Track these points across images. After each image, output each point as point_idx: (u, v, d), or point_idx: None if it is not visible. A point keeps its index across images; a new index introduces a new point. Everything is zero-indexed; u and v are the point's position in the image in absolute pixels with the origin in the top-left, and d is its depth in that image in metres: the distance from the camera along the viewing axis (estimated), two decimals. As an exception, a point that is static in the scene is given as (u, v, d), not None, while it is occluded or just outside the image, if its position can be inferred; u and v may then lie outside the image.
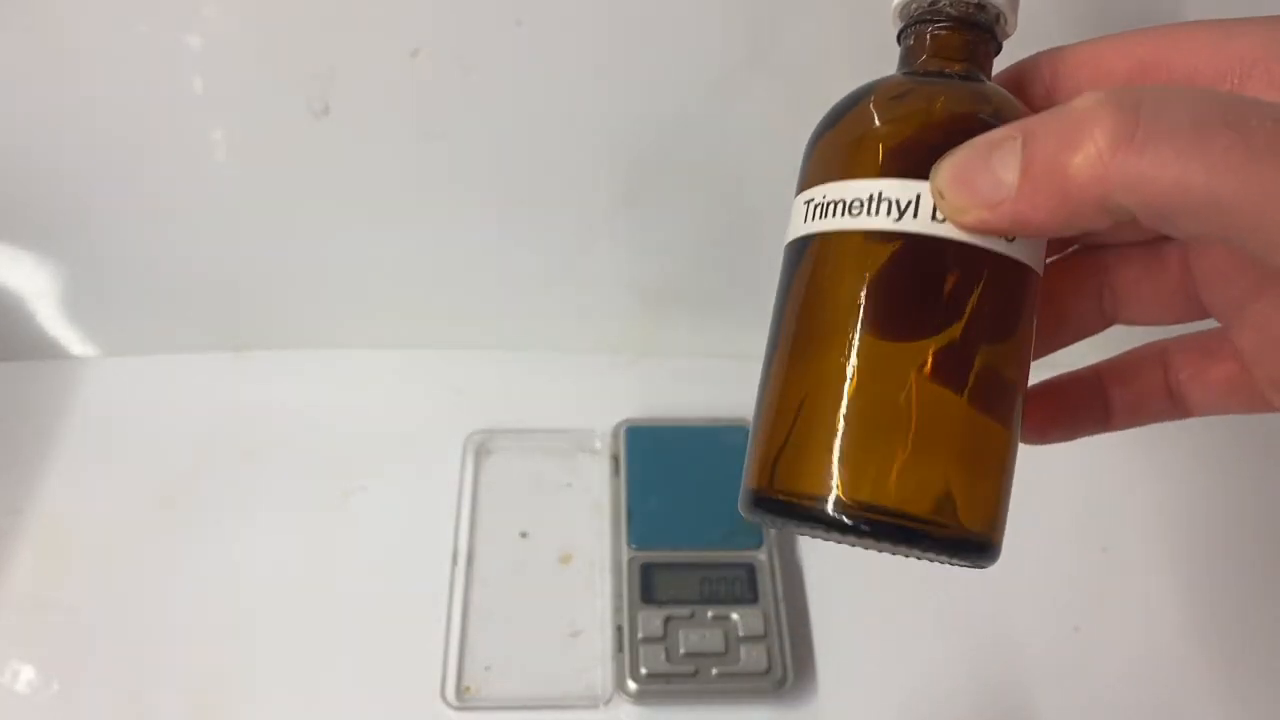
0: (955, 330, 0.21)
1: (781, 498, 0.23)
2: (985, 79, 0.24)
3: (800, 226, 0.23)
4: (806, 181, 0.24)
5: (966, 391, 0.21)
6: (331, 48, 0.42)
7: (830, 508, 0.21)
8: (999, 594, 0.47)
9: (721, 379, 0.55)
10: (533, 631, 0.45)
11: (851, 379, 0.21)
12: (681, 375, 0.55)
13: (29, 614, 0.46)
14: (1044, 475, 0.52)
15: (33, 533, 0.48)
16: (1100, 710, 0.44)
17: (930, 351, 0.21)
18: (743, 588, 0.45)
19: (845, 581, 0.47)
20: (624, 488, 0.49)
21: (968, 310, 0.21)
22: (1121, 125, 0.17)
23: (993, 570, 0.49)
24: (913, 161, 0.21)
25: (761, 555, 0.46)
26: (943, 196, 0.20)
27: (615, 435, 0.51)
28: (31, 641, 0.45)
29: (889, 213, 0.21)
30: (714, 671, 0.43)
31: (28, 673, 0.44)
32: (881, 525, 0.21)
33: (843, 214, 0.22)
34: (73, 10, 0.40)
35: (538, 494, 0.50)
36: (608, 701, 0.43)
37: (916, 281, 0.21)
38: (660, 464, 0.50)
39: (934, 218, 0.21)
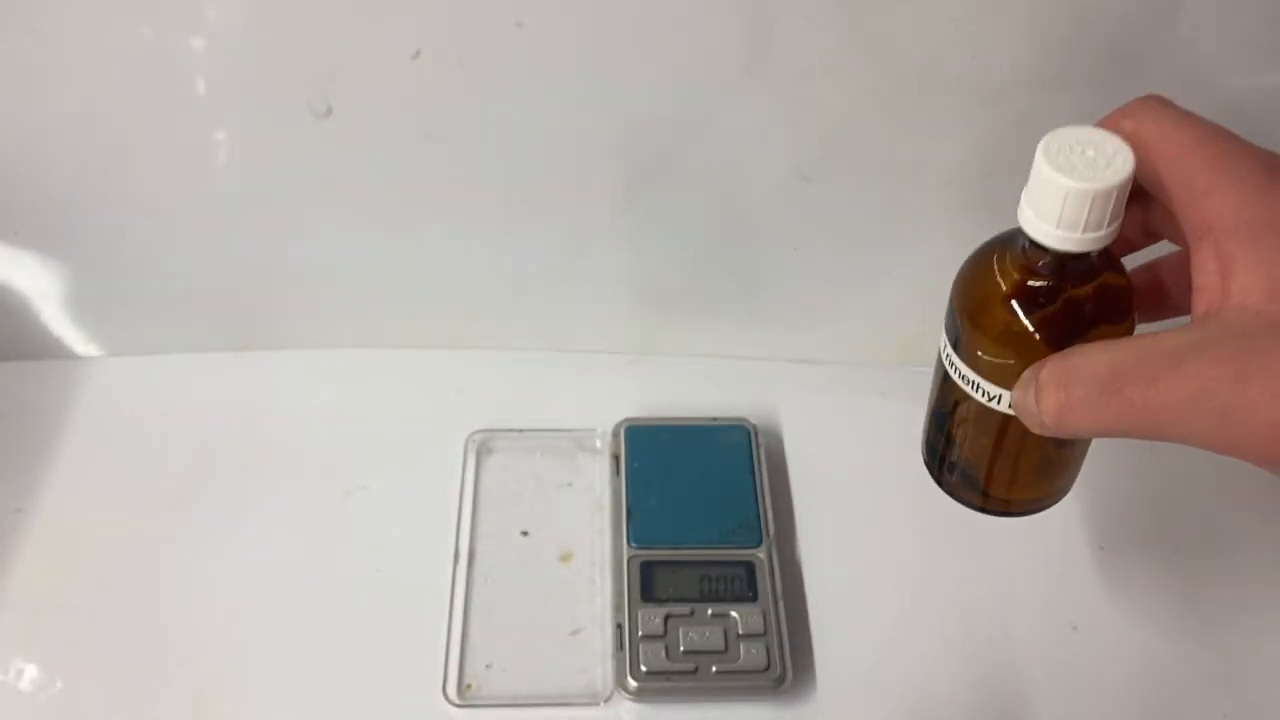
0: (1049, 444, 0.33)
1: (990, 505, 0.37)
2: (1097, 265, 0.30)
3: (943, 355, 0.34)
4: (948, 319, 0.33)
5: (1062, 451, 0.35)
6: (333, 49, 0.42)
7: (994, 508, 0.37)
8: (997, 592, 0.47)
9: (721, 379, 0.55)
10: (533, 629, 0.45)
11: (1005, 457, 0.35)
12: (681, 375, 0.55)
13: (32, 613, 0.46)
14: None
15: (35, 532, 0.48)
16: (1098, 709, 0.44)
17: (1028, 451, 0.34)
18: (742, 586, 0.45)
19: (844, 580, 0.47)
20: (624, 487, 0.49)
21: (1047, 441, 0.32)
22: (1055, 405, 0.28)
23: (991, 569, 0.50)
24: (1002, 377, 0.31)
25: (761, 554, 0.47)
26: (1011, 408, 0.31)
27: (615, 434, 0.51)
28: (34, 640, 0.45)
29: (986, 398, 0.32)
30: (713, 669, 0.43)
31: (30, 671, 0.44)
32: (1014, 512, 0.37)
33: (962, 381, 0.33)
34: (75, 12, 0.40)
35: (538, 493, 0.50)
36: (608, 699, 0.43)
37: (1014, 427, 0.32)
38: (660, 463, 0.50)
39: (989, 399, 0.32)
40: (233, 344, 0.56)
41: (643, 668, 0.43)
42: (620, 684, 0.43)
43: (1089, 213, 0.27)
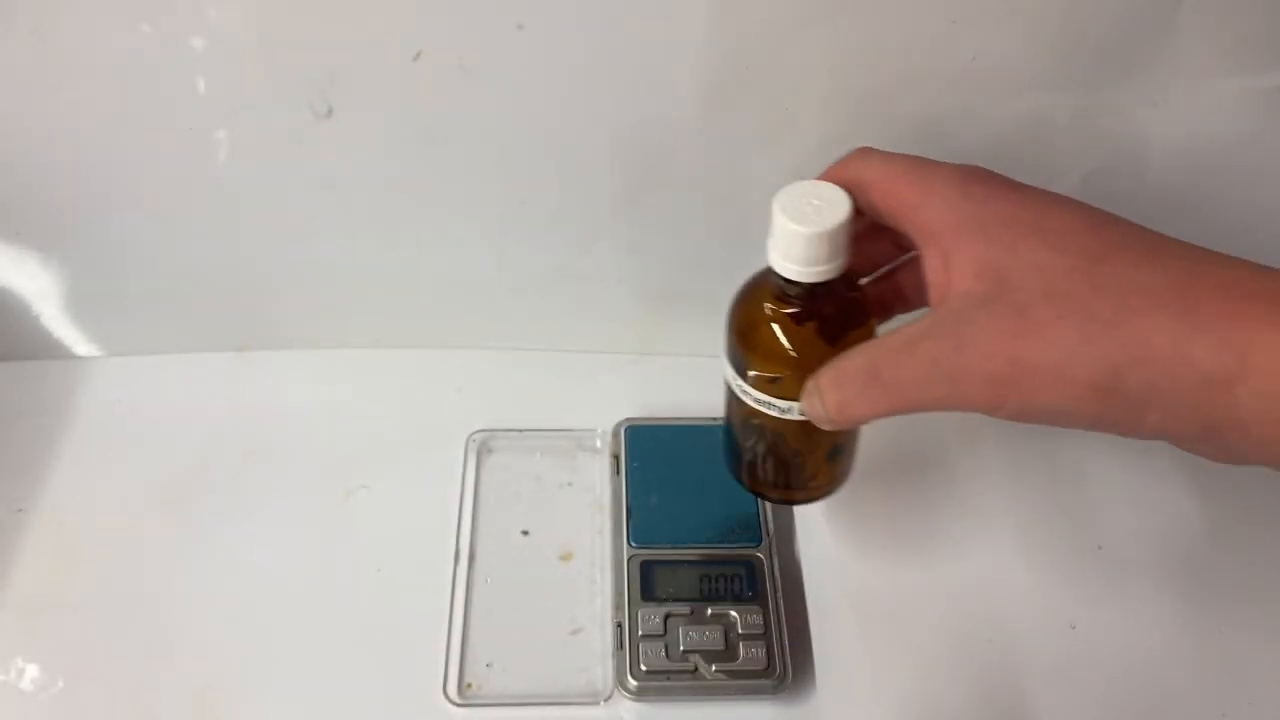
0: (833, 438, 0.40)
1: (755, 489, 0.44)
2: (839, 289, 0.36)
3: (728, 378, 0.39)
4: (727, 349, 0.39)
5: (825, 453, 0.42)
6: (334, 51, 0.42)
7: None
8: (995, 592, 0.47)
9: (721, 379, 0.55)
10: (534, 629, 0.45)
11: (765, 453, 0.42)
12: (681, 375, 0.55)
13: (33, 612, 0.46)
14: (1039, 474, 0.52)
15: (36, 531, 0.48)
16: (1096, 708, 0.44)
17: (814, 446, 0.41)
18: (742, 585, 0.46)
19: (844, 579, 0.48)
20: (624, 486, 0.49)
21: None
22: (835, 402, 0.34)
23: (990, 568, 0.50)
24: (776, 389, 0.37)
25: (760, 553, 0.47)
26: (802, 414, 0.36)
27: (615, 434, 0.51)
28: (35, 640, 0.45)
29: (768, 408, 0.38)
30: (713, 668, 0.43)
31: (32, 671, 0.44)
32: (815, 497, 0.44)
33: (746, 397, 0.38)
34: (75, 12, 0.40)
35: (538, 493, 0.50)
36: (608, 698, 0.43)
37: (797, 429, 0.39)
38: (660, 463, 0.50)
39: (783, 412, 0.37)
40: (233, 344, 0.56)
41: (643, 667, 0.43)
42: (620, 683, 0.43)
43: (822, 249, 0.33)
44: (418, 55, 0.42)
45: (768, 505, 0.49)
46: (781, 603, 0.45)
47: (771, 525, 0.48)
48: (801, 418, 0.37)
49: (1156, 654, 0.46)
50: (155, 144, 0.45)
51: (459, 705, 0.43)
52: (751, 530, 0.47)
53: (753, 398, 0.38)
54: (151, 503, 0.49)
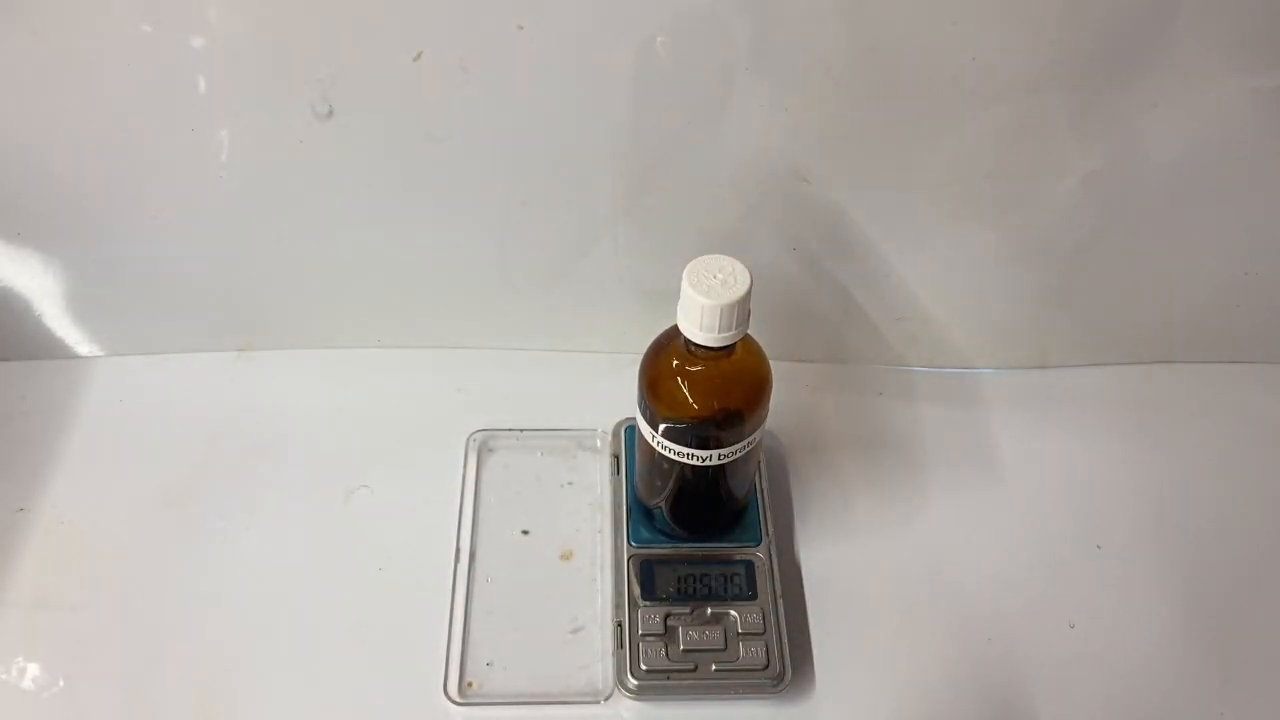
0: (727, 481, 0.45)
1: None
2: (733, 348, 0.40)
3: (640, 427, 0.43)
4: (639, 400, 0.42)
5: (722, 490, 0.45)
6: (335, 51, 0.42)
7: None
8: (994, 591, 0.47)
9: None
10: (534, 628, 0.45)
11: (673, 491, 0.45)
12: (681, 374, 0.55)
13: (34, 612, 0.46)
14: (1038, 473, 0.52)
15: (38, 531, 0.48)
16: (1095, 706, 0.44)
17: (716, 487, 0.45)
18: (742, 585, 0.46)
19: (843, 579, 0.48)
20: (624, 486, 0.49)
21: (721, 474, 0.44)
22: None
23: (989, 567, 0.50)
24: (681, 437, 0.41)
25: (760, 553, 0.47)
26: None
27: (615, 434, 0.51)
28: (36, 639, 0.45)
29: (682, 456, 0.42)
30: (713, 667, 0.43)
31: (33, 670, 0.44)
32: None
33: (657, 445, 0.42)
34: (76, 12, 0.40)
35: (539, 492, 0.51)
36: (608, 697, 0.43)
37: (706, 476, 0.44)
38: (660, 462, 0.50)
39: (703, 461, 0.42)
40: (234, 344, 0.56)
41: (643, 666, 0.43)
42: (620, 682, 0.43)
43: (726, 319, 0.37)
44: (418, 55, 0.42)
45: (768, 505, 0.49)
46: (781, 602, 0.45)
47: (772, 526, 0.48)
48: (697, 463, 0.41)
49: (1155, 653, 0.46)
50: (156, 144, 0.45)
51: (459, 704, 0.43)
52: (752, 530, 0.47)
53: (664, 446, 0.42)
54: (153, 502, 0.50)
